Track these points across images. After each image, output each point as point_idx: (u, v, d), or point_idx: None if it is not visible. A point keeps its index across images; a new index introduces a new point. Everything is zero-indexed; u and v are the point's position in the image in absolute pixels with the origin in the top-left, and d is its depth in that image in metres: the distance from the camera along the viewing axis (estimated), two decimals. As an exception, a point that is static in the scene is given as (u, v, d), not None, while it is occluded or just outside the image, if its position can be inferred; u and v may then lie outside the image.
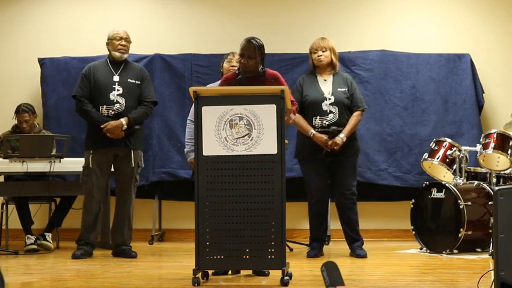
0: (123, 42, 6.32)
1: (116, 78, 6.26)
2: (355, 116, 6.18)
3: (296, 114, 6.16)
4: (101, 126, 6.12)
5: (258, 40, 5.12)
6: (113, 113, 6.19)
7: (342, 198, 6.18)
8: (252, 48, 5.06)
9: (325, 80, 6.22)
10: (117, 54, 6.31)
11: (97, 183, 6.22)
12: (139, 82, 6.32)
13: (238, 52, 5.19)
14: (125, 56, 6.35)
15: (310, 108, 6.15)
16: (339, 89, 6.17)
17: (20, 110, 6.96)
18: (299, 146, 6.28)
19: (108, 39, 6.36)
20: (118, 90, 6.22)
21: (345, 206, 6.19)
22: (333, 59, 6.24)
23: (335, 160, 6.15)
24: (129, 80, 6.28)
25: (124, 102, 6.22)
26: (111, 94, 6.21)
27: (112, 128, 6.13)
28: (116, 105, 6.21)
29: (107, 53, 6.39)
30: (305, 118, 6.16)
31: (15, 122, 7.05)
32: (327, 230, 6.49)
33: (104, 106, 6.20)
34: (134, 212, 6.39)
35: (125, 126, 6.16)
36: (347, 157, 6.15)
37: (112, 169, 6.37)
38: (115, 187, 6.48)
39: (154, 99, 6.44)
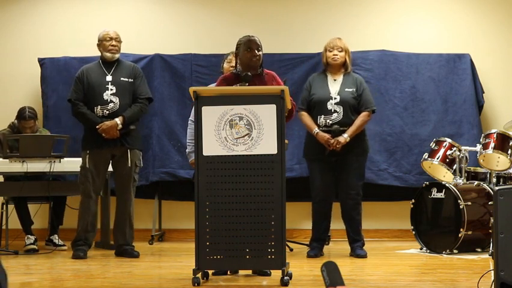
0: (113, 43, 6.31)
1: (109, 78, 6.25)
2: (361, 117, 6.17)
3: (303, 113, 6.20)
4: (96, 126, 6.13)
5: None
6: (107, 112, 6.19)
7: (347, 197, 6.18)
8: (258, 41, 5.09)
9: (335, 80, 6.24)
10: (108, 54, 6.31)
11: (93, 183, 6.22)
12: (132, 80, 6.31)
13: (240, 49, 5.08)
14: (117, 55, 6.34)
15: (316, 106, 6.17)
16: (346, 89, 6.18)
17: (26, 117, 6.83)
18: (306, 146, 6.29)
19: (98, 41, 6.36)
20: (111, 89, 6.22)
21: (349, 206, 6.18)
22: (347, 60, 6.26)
23: (340, 159, 6.15)
24: (122, 78, 6.27)
25: (117, 101, 6.21)
26: (104, 94, 6.21)
27: (107, 128, 6.13)
28: (110, 104, 6.20)
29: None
30: (311, 117, 6.17)
31: (15, 121, 7.01)
32: (328, 230, 6.49)
33: (99, 106, 6.20)
34: (134, 211, 6.40)
35: (120, 126, 6.15)
36: (352, 157, 6.15)
37: (111, 169, 6.37)
38: (115, 187, 6.49)
39: (149, 95, 6.43)
